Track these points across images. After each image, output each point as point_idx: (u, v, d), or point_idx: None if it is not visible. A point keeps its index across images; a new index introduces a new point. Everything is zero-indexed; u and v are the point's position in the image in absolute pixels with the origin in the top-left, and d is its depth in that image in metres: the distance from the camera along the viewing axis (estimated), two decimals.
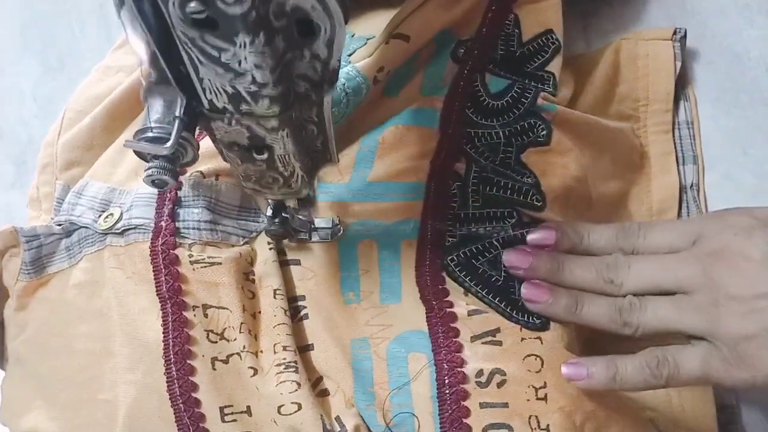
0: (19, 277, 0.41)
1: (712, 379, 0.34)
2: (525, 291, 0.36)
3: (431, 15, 0.41)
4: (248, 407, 0.35)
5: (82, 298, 0.39)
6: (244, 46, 0.23)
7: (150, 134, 0.27)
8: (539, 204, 0.39)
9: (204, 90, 0.26)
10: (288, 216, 0.38)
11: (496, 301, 0.36)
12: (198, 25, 0.22)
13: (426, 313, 0.36)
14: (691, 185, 0.46)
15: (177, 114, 0.27)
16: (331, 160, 0.33)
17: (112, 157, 0.43)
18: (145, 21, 0.24)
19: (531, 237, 0.38)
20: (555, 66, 0.42)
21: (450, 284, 0.37)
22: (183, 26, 0.22)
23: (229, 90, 0.25)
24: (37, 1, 0.58)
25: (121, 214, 0.39)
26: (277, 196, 0.35)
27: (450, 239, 0.38)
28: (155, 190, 0.39)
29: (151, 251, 0.37)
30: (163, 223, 0.38)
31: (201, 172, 0.39)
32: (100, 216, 0.40)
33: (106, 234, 0.39)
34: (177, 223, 0.38)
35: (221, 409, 0.34)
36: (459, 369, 0.34)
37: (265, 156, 0.30)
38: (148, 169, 0.28)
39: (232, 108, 0.27)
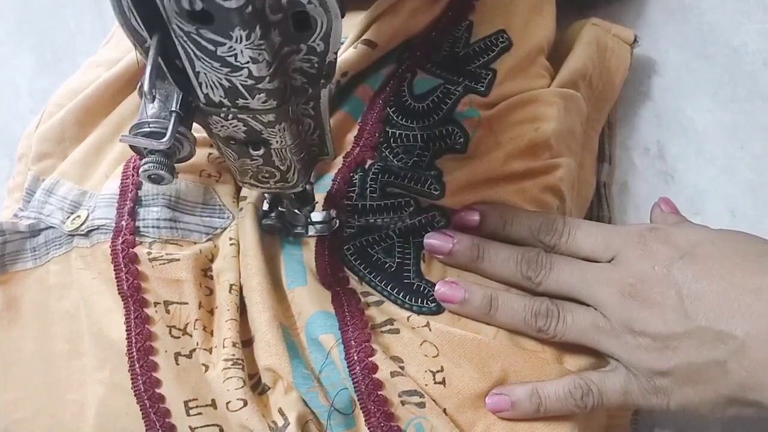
0: None
1: (630, 404, 0.35)
2: (439, 290, 0.37)
3: (402, 23, 0.41)
4: (213, 400, 0.35)
5: (51, 301, 0.39)
6: (240, 40, 0.23)
7: (146, 129, 0.27)
8: (437, 192, 0.39)
9: (200, 84, 0.26)
10: (284, 210, 0.38)
11: (388, 288, 0.37)
12: (194, 19, 0.22)
13: (332, 295, 0.37)
14: (604, 184, 0.47)
15: (173, 108, 0.27)
16: (327, 154, 0.33)
17: (84, 159, 0.43)
18: (140, 14, 0.24)
19: (456, 217, 0.38)
20: (500, 64, 0.42)
21: (349, 273, 0.38)
22: (178, 20, 0.22)
23: (226, 84, 0.25)
24: None
25: (87, 215, 0.39)
26: (273, 191, 0.35)
27: (348, 230, 0.39)
28: (117, 191, 0.39)
29: (111, 250, 0.37)
30: (123, 223, 0.38)
31: None
32: (68, 217, 0.40)
33: (73, 235, 0.39)
34: (137, 222, 0.38)
35: (186, 403, 0.35)
36: (367, 344, 0.35)
37: (261, 151, 0.30)
38: (145, 164, 0.28)
39: (228, 102, 0.27)
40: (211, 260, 0.39)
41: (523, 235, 0.38)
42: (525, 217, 0.38)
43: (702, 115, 0.48)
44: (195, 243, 0.39)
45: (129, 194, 0.39)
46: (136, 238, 0.38)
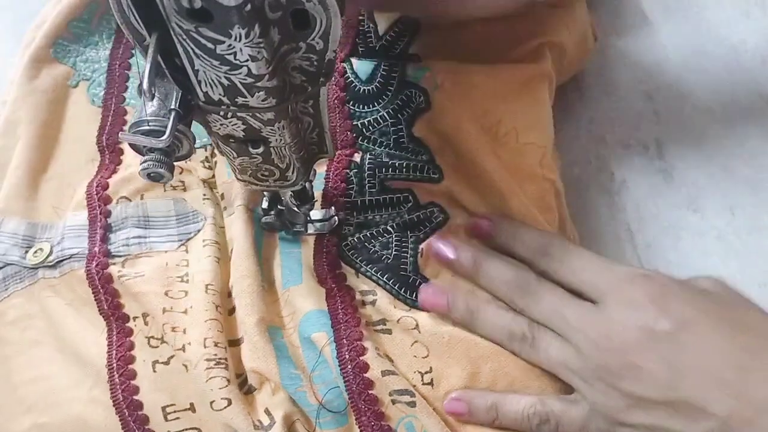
0: None
1: None
2: (422, 296, 0.37)
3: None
4: (191, 404, 0.35)
5: (15, 333, 0.39)
6: (240, 39, 0.23)
7: (146, 127, 0.27)
8: (436, 176, 0.39)
9: (199, 82, 0.26)
10: (283, 208, 0.38)
11: (384, 278, 0.37)
12: (193, 17, 0.22)
13: (326, 293, 0.37)
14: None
15: (172, 107, 0.27)
16: (326, 152, 0.33)
17: (19, 191, 0.43)
18: (139, 13, 0.24)
19: (468, 221, 0.39)
20: (418, 46, 0.42)
21: (346, 269, 0.38)
22: (178, 18, 0.22)
23: (225, 82, 0.25)
24: None
25: (51, 248, 0.40)
26: (272, 189, 0.35)
27: (347, 227, 0.39)
28: (85, 222, 0.40)
29: (87, 275, 0.38)
30: (96, 248, 0.39)
31: (125, 197, 0.41)
32: (27, 252, 0.40)
33: (37, 268, 0.40)
34: (108, 246, 0.39)
35: (163, 408, 0.35)
36: (358, 342, 0.35)
37: (260, 149, 0.30)
38: (144, 162, 0.28)
39: (227, 100, 0.27)
40: (187, 264, 0.39)
41: (522, 254, 0.38)
42: (527, 235, 0.38)
43: (701, 113, 0.48)
44: (166, 252, 0.39)
45: (99, 223, 0.40)
46: (108, 260, 0.39)
